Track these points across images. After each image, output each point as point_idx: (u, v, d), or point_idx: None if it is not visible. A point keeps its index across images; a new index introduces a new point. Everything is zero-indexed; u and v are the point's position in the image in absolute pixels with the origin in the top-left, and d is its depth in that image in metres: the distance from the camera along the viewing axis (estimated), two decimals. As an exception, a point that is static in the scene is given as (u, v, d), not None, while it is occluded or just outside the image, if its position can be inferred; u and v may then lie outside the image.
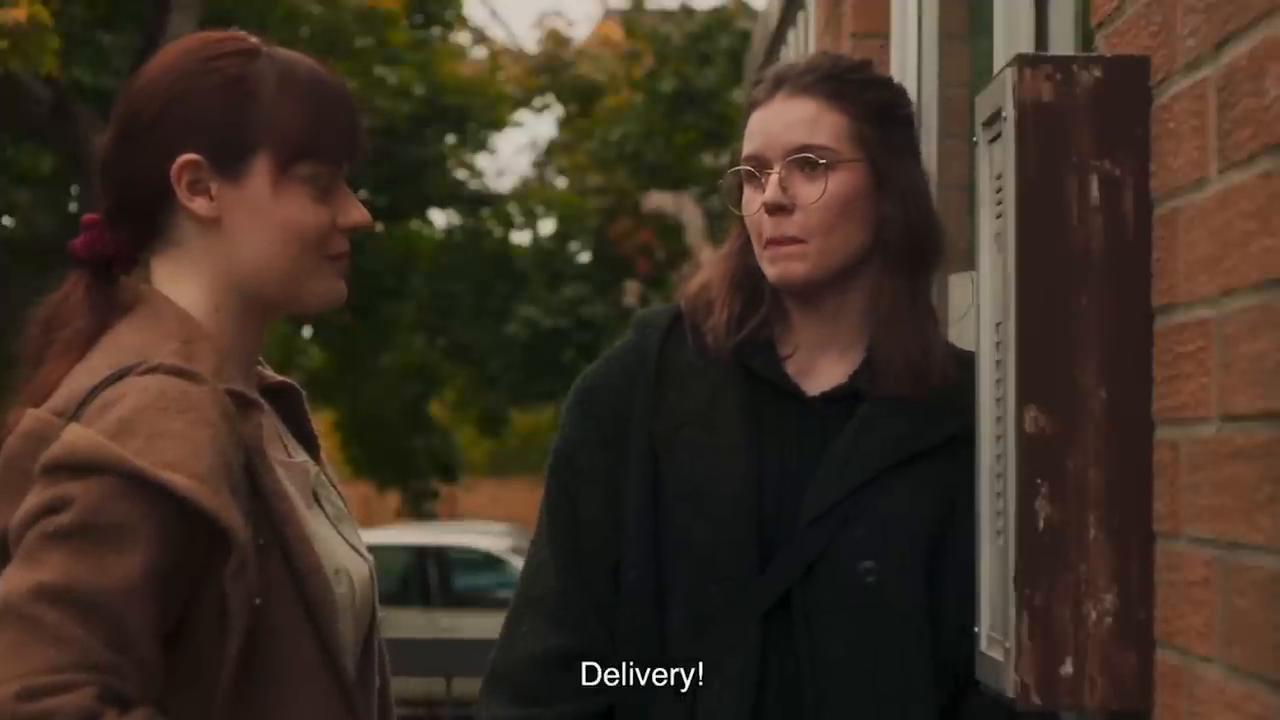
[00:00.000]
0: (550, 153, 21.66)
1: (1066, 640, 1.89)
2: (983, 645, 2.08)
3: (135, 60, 11.27)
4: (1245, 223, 1.62)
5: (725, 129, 18.62)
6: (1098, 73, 1.92)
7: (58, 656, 1.43)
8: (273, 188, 1.68)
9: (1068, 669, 1.89)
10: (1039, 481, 1.90)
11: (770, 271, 2.10)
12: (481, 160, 30.15)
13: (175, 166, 1.65)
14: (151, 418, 1.52)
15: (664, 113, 19.21)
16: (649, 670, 2.04)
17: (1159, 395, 1.87)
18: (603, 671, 2.06)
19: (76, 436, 1.51)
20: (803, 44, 6.55)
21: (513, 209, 20.02)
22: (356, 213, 1.74)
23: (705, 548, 2.05)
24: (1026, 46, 2.70)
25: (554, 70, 20.54)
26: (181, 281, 1.68)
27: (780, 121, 2.09)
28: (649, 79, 19.45)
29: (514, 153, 53.78)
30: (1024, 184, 1.92)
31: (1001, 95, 1.97)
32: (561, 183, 21.01)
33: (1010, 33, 2.78)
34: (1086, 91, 1.92)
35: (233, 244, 1.66)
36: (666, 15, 20.14)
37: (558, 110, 21.02)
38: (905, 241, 2.13)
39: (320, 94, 1.73)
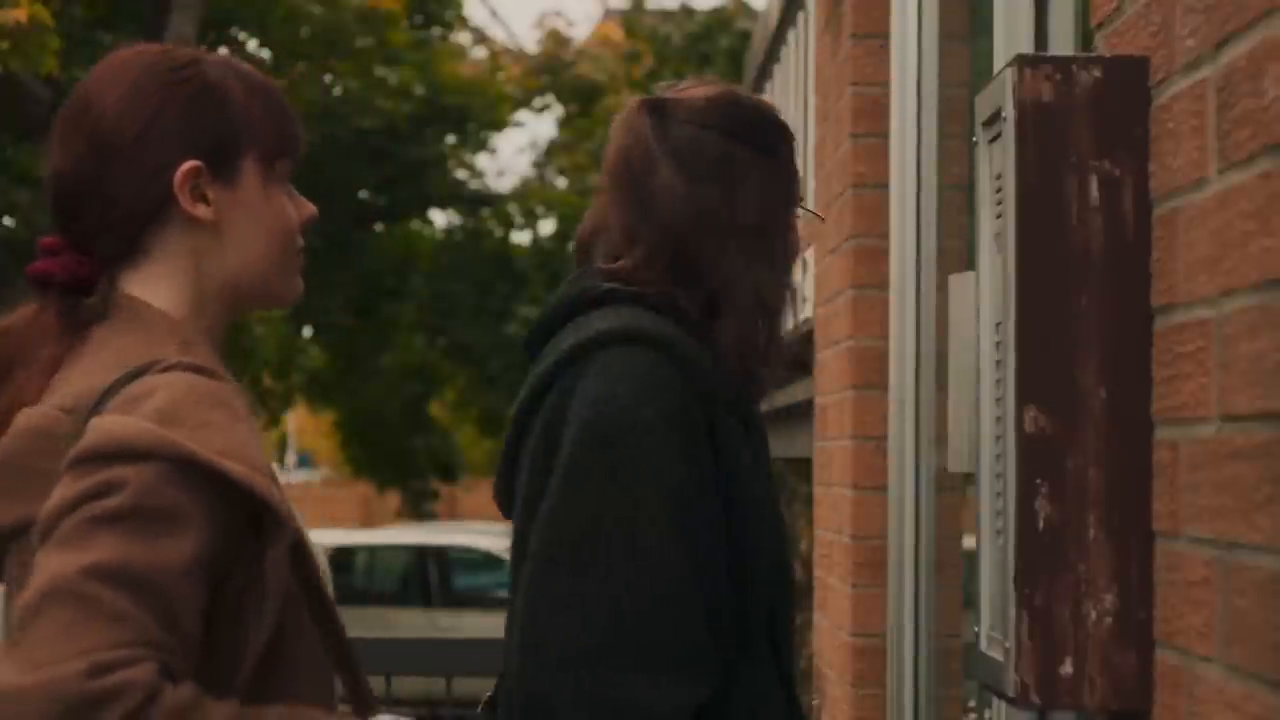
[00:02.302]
0: (550, 153, 21.66)
1: (1066, 640, 1.89)
2: (983, 645, 2.09)
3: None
4: (1245, 223, 1.62)
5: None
6: (1097, 73, 1.92)
7: (119, 633, 1.45)
8: (261, 190, 1.73)
9: (1067, 669, 1.89)
10: (1039, 481, 1.90)
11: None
12: (482, 160, 30.20)
13: (179, 176, 1.67)
14: (191, 409, 1.55)
15: (664, 113, 19.17)
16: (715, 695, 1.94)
17: (1159, 395, 1.87)
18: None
19: (119, 424, 1.52)
20: (803, 44, 6.55)
21: (513, 209, 20.02)
22: (307, 207, 1.79)
23: (764, 569, 2.03)
24: (1026, 46, 2.70)
25: (554, 70, 20.54)
26: (157, 287, 1.70)
27: None
28: (649, 79, 19.44)
29: (514, 153, 53.80)
30: (1024, 184, 1.92)
31: (1001, 95, 1.97)
32: (561, 183, 21.01)
33: (1010, 33, 2.78)
34: (1086, 92, 1.92)
35: (226, 246, 1.70)
36: (666, 15, 20.14)
37: (558, 110, 21.02)
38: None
39: (272, 94, 1.76)
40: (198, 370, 1.60)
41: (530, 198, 20.27)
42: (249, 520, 1.56)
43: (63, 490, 1.51)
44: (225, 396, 1.59)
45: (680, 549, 1.88)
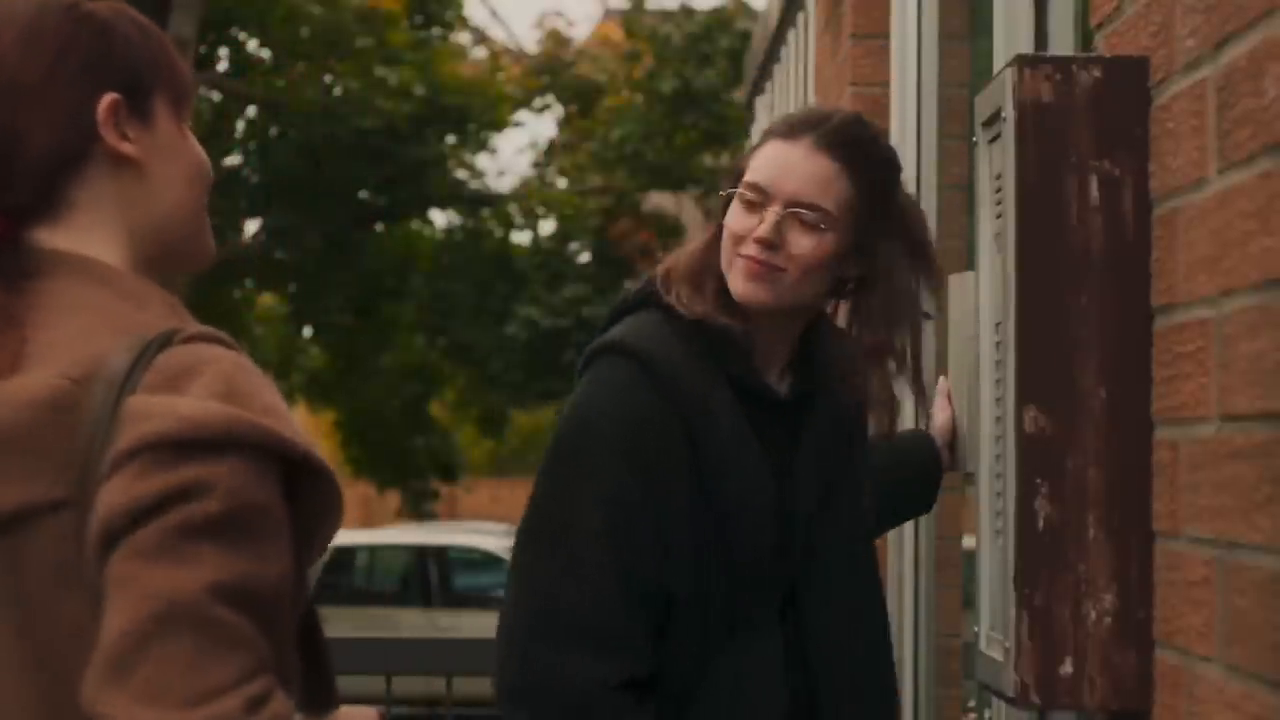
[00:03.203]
0: (550, 153, 21.65)
1: (1066, 640, 1.89)
2: (982, 645, 2.09)
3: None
4: (1244, 223, 1.62)
5: (725, 129, 18.61)
6: (1097, 73, 1.92)
7: (251, 661, 1.33)
8: (175, 126, 1.60)
9: (1067, 669, 1.89)
10: (1039, 481, 1.90)
11: (737, 285, 2.21)
12: (482, 160, 30.18)
13: (102, 110, 1.53)
14: (248, 388, 1.41)
15: (664, 113, 19.21)
16: (694, 679, 2.17)
17: (1158, 395, 1.87)
18: (649, 694, 2.16)
19: (187, 408, 1.36)
20: (802, 44, 6.55)
21: (513, 209, 20.02)
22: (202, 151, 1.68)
23: (748, 560, 2.20)
24: (1026, 47, 2.70)
25: (554, 70, 20.53)
26: (89, 239, 1.53)
27: (799, 169, 2.21)
28: (649, 79, 19.44)
29: (514, 153, 53.76)
30: (1024, 184, 1.92)
31: (1001, 95, 1.97)
32: (562, 183, 21.01)
33: (1010, 33, 2.78)
34: (1086, 92, 1.92)
35: (152, 190, 1.56)
36: (666, 15, 20.13)
37: (558, 110, 21.01)
38: (875, 316, 2.29)
39: (162, 36, 1.64)
40: (223, 342, 1.46)
41: (530, 198, 20.27)
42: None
43: (132, 482, 1.35)
44: (260, 372, 1.46)
45: (608, 547, 2.13)
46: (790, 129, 2.25)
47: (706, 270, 2.25)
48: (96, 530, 1.35)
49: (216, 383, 1.39)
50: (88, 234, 1.53)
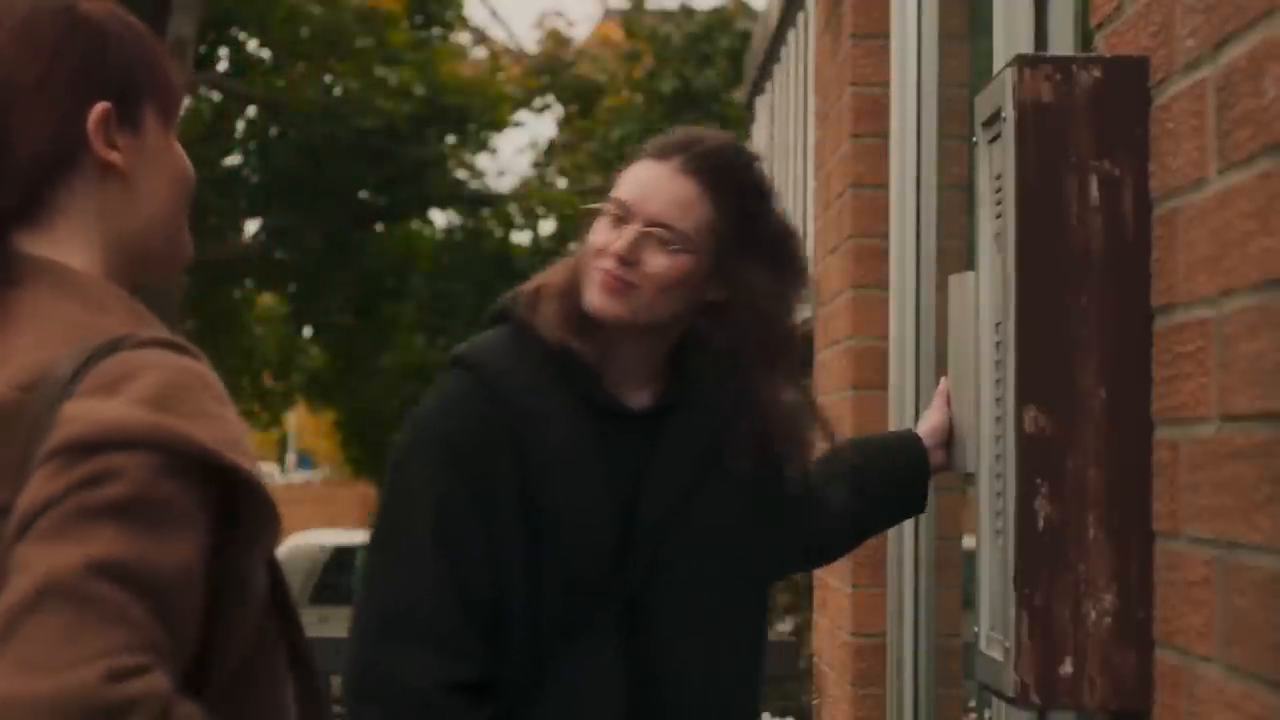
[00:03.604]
0: (550, 153, 21.65)
1: (1066, 640, 1.89)
2: (982, 645, 2.09)
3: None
4: (1244, 223, 1.62)
5: (725, 129, 18.60)
6: (1097, 73, 1.92)
7: (128, 637, 1.30)
8: (163, 137, 1.60)
9: (1067, 669, 1.89)
10: (1039, 481, 1.90)
11: (592, 297, 2.27)
12: (482, 160, 30.18)
13: (93, 120, 1.53)
14: (183, 395, 1.41)
15: (664, 113, 19.20)
16: (530, 683, 2.25)
17: (1158, 395, 1.87)
18: (487, 696, 2.24)
19: (108, 412, 1.37)
20: (802, 44, 6.55)
21: (513, 209, 20.03)
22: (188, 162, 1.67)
23: (579, 569, 2.26)
24: (1026, 47, 2.70)
25: (554, 70, 20.53)
26: (69, 247, 1.53)
27: (662, 190, 2.26)
28: (649, 79, 19.45)
29: (514, 153, 53.74)
30: (1023, 184, 1.92)
31: (1001, 95, 1.97)
32: (562, 183, 21.01)
33: (1010, 33, 2.78)
34: (1086, 92, 1.92)
35: (137, 199, 1.56)
36: (666, 15, 20.13)
37: (558, 110, 21.01)
38: (739, 339, 2.33)
39: (153, 40, 1.64)
40: (175, 347, 1.45)
41: (530, 198, 20.28)
42: (228, 515, 1.44)
43: (46, 482, 1.35)
44: (210, 379, 1.45)
45: (440, 554, 2.21)
46: (661, 150, 2.31)
47: (573, 288, 2.30)
48: (13, 525, 1.35)
49: (149, 387, 1.39)
50: (67, 240, 1.52)
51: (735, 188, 2.31)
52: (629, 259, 2.24)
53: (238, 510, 1.43)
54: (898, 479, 2.61)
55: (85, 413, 1.37)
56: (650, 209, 2.26)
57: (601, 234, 2.28)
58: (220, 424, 1.41)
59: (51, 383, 1.41)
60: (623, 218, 2.27)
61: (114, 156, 1.54)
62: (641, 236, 2.25)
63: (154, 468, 1.36)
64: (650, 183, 2.28)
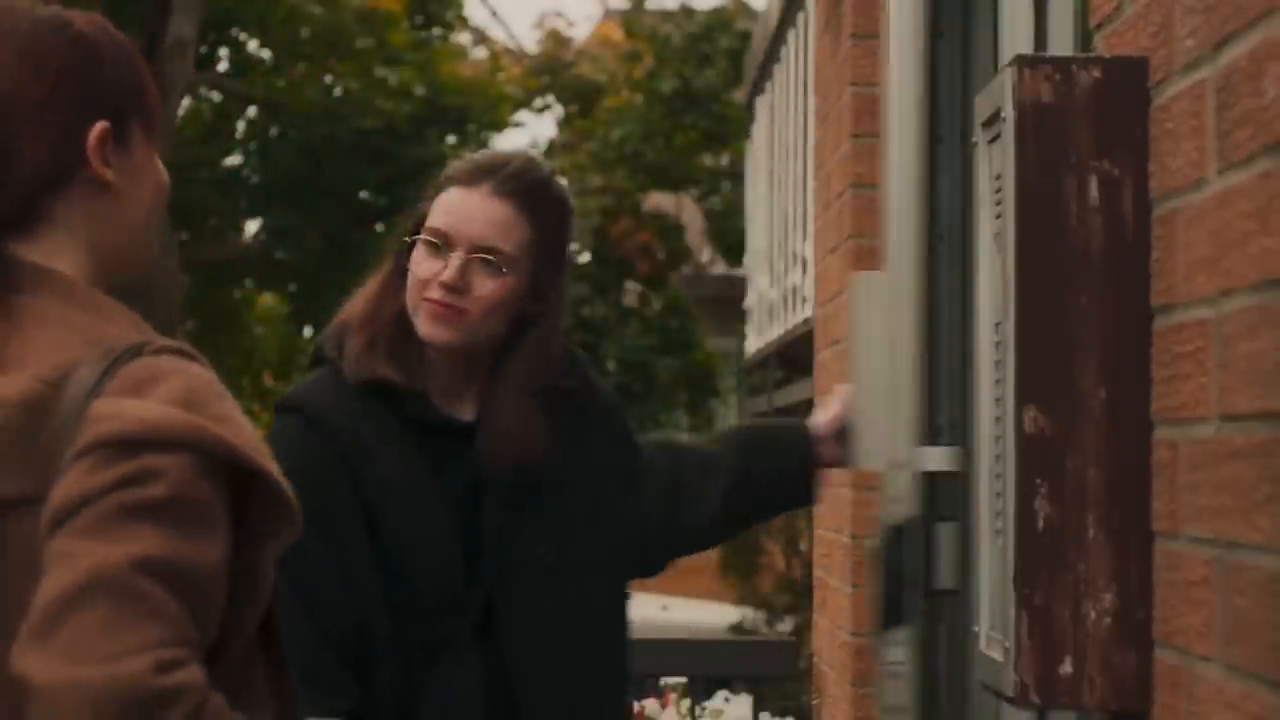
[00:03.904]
0: (550, 153, 21.65)
1: (1066, 640, 1.89)
2: (982, 645, 2.09)
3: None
4: (1244, 223, 1.62)
5: (725, 129, 18.60)
6: (1097, 73, 1.92)
7: (168, 632, 1.38)
8: (147, 151, 1.68)
9: (1067, 668, 1.89)
10: (1038, 481, 1.91)
11: (423, 326, 2.34)
12: (482, 160, 30.10)
13: (93, 138, 1.61)
14: (207, 399, 1.49)
15: (664, 113, 19.20)
16: (400, 707, 2.29)
17: (1158, 395, 1.87)
18: None
19: (148, 410, 1.45)
20: (802, 44, 6.55)
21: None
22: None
23: (431, 590, 2.31)
24: (1026, 47, 2.70)
25: (554, 71, 20.52)
26: (60, 256, 1.61)
27: (480, 215, 2.34)
28: (649, 79, 19.44)
29: (514, 153, 53.62)
30: (1023, 184, 1.92)
31: (1001, 96, 1.97)
32: (562, 183, 20.99)
33: (1010, 33, 2.78)
34: (1085, 92, 1.92)
35: (121, 209, 1.65)
36: (666, 16, 20.12)
37: (558, 111, 21.01)
38: (539, 349, 2.42)
39: (138, 56, 1.70)
40: (188, 355, 1.54)
41: (530, 198, 20.21)
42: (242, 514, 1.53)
43: (85, 474, 1.42)
44: (220, 386, 1.53)
45: (292, 593, 2.16)
46: (470, 176, 2.37)
47: (378, 317, 2.37)
48: (47, 517, 1.42)
49: (177, 391, 1.48)
50: (59, 248, 1.61)
51: (546, 205, 2.43)
52: (458, 286, 2.33)
53: (249, 510, 1.51)
54: (780, 470, 2.63)
55: (121, 410, 1.45)
56: (472, 234, 2.33)
57: (424, 264, 2.34)
58: (241, 428, 1.50)
59: (78, 381, 1.49)
60: (443, 246, 2.34)
61: (108, 173, 1.62)
62: (467, 263, 2.33)
63: (191, 468, 1.44)
64: (466, 208, 2.35)
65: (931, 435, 3.37)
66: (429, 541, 2.31)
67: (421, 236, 2.36)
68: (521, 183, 2.39)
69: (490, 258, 2.34)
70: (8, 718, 1.44)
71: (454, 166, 2.42)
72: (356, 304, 2.42)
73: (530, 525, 2.38)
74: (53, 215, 1.61)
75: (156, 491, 1.42)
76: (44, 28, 1.62)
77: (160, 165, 1.71)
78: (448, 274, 2.31)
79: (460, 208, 2.35)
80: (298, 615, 2.22)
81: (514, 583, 2.35)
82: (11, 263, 1.58)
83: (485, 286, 2.34)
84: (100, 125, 1.61)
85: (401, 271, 2.39)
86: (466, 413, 2.41)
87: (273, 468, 1.51)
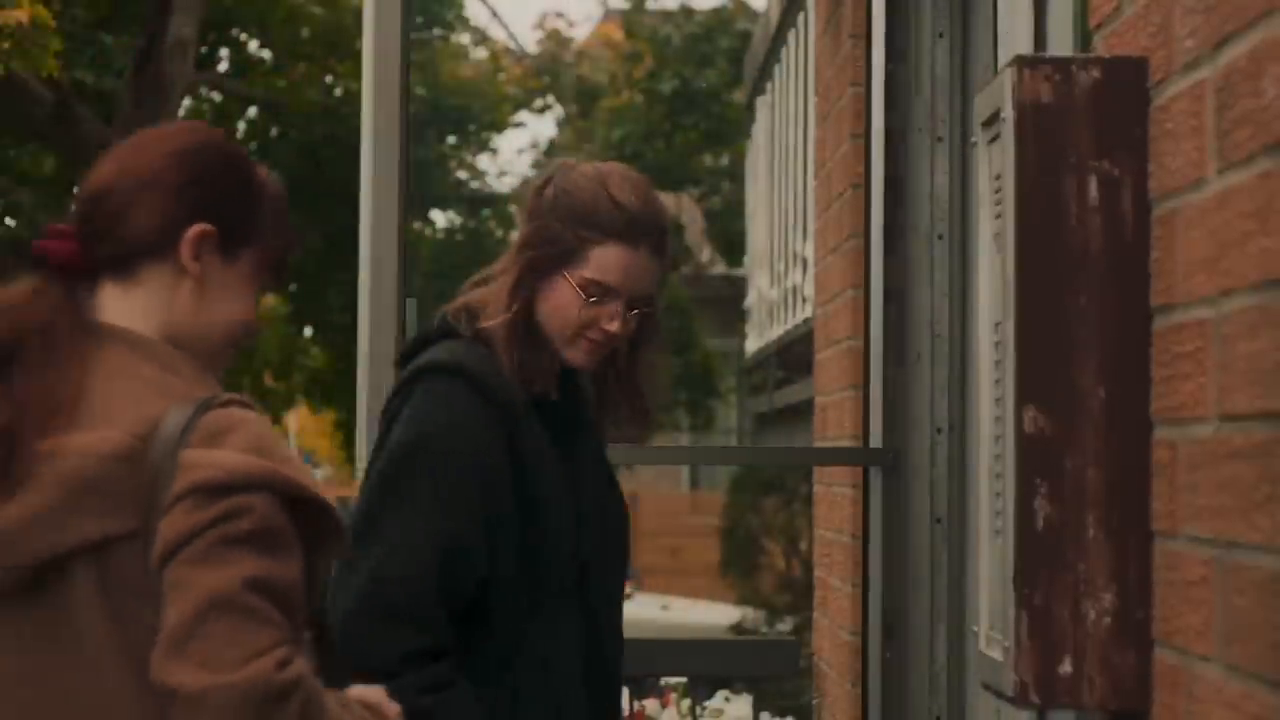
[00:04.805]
0: (551, 153, 21.65)
1: (1065, 639, 1.89)
2: (982, 644, 2.09)
3: (137, 61, 11.26)
4: (1244, 223, 1.62)
5: (725, 129, 18.61)
6: (1096, 73, 1.93)
7: (279, 634, 1.72)
8: (249, 280, 1.98)
9: (1066, 668, 1.89)
10: (1038, 481, 1.91)
11: (577, 358, 2.59)
12: (482, 161, 30.14)
13: (191, 234, 1.91)
14: (272, 445, 1.83)
15: (664, 113, 19.22)
16: (508, 644, 2.54)
17: (1157, 395, 1.88)
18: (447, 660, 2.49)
19: (230, 460, 1.78)
20: (802, 44, 6.55)
21: (513, 209, 20.02)
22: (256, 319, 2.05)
23: (555, 548, 2.56)
24: (1025, 47, 2.70)
25: (554, 71, 20.53)
26: (135, 316, 1.92)
27: (645, 277, 2.59)
28: (649, 80, 19.45)
29: (515, 153, 53.73)
30: (1023, 184, 1.93)
31: (1000, 96, 1.97)
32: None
33: (1009, 33, 2.78)
34: (1085, 92, 1.92)
35: (198, 307, 1.94)
36: (666, 16, 20.13)
37: (558, 111, 21.02)
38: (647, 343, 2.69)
39: (284, 209, 2.02)
40: (246, 405, 1.86)
41: (531, 198, 20.23)
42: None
43: (187, 514, 1.75)
44: (271, 427, 1.87)
45: (425, 541, 2.46)
46: (632, 235, 2.56)
47: (522, 336, 2.57)
48: (159, 551, 1.75)
49: (248, 440, 1.81)
50: (138, 307, 1.92)
51: (669, 247, 2.67)
52: (618, 336, 2.58)
53: (303, 529, 1.82)
54: None
55: (208, 460, 1.78)
56: (637, 292, 2.58)
57: (586, 310, 2.56)
58: (298, 466, 1.84)
59: (165, 434, 1.81)
60: (604, 295, 2.56)
61: (196, 268, 1.92)
62: (627, 316, 2.58)
63: (270, 504, 1.78)
64: (635, 272, 2.57)
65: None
66: (558, 505, 2.55)
67: (585, 289, 2.56)
68: (667, 237, 2.64)
69: (642, 311, 2.61)
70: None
71: (598, 215, 2.58)
72: (491, 308, 2.59)
73: (613, 500, 2.70)
74: (142, 277, 1.92)
75: (247, 525, 1.76)
76: (198, 139, 1.98)
77: (254, 309, 2.00)
78: (614, 327, 2.56)
79: (627, 271, 2.56)
80: (412, 561, 2.46)
81: (600, 549, 2.62)
82: (93, 324, 1.90)
83: (635, 324, 2.60)
84: (202, 226, 1.91)
85: (531, 284, 2.58)
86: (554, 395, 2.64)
87: (324, 496, 1.84)
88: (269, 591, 1.74)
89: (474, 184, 19.73)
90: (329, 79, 16.50)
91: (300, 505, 1.81)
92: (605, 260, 2.56)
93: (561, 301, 2.57)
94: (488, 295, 2.61)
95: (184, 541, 1.74)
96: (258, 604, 1.72)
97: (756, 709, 5.08)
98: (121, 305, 1.92)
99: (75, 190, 1.89)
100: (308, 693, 1.72)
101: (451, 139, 18.47)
